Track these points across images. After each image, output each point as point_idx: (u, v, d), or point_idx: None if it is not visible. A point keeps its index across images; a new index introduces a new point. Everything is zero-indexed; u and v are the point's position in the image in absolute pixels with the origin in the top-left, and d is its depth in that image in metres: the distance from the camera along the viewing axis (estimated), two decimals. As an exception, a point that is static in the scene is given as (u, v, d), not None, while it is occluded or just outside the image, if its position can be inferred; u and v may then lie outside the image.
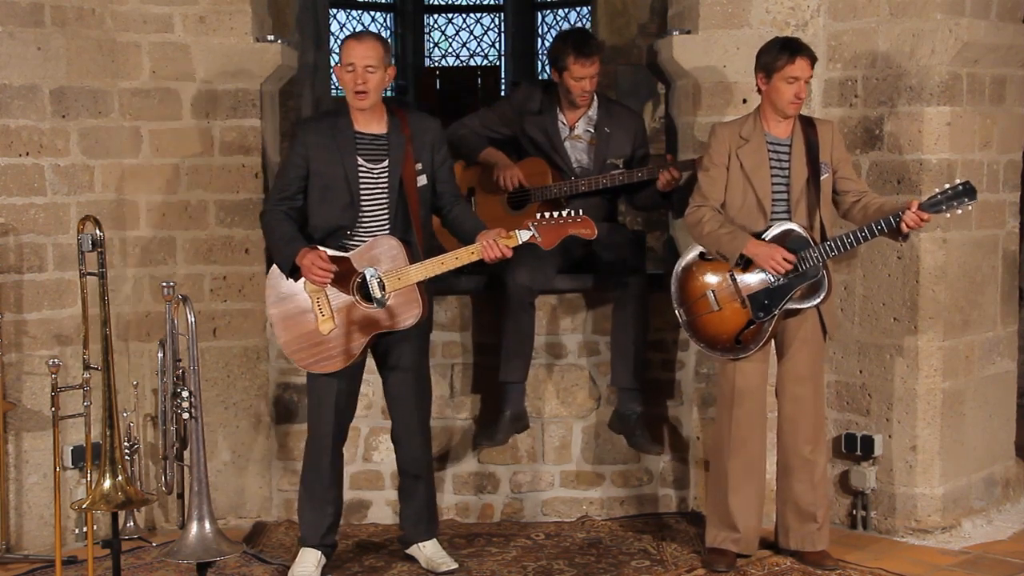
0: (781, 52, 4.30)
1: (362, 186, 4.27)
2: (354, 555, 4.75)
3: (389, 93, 11.41)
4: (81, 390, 4.37)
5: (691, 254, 4.51)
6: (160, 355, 4.13)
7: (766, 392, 4.53)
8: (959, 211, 4.25)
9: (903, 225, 4.22)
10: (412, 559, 4.60)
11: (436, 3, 11.68)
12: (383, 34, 11.40)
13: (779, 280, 4.34)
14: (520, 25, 11.45)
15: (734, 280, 4.40)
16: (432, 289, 4.38)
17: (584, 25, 10.63)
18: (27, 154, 4.69)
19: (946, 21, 4.72)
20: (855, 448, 4.95)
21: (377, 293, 4.17)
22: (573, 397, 5.19)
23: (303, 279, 4.23)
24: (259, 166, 5.03)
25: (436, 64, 11.48)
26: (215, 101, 4.99)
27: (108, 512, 3.90)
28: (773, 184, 4.40)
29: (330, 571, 4.49)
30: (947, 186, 4.25)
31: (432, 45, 11.63)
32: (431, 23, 11.64)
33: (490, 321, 5.01)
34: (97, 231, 4.07)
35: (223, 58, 4.96)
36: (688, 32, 5.04)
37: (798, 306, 4.37)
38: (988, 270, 5.04)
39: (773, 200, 4.39)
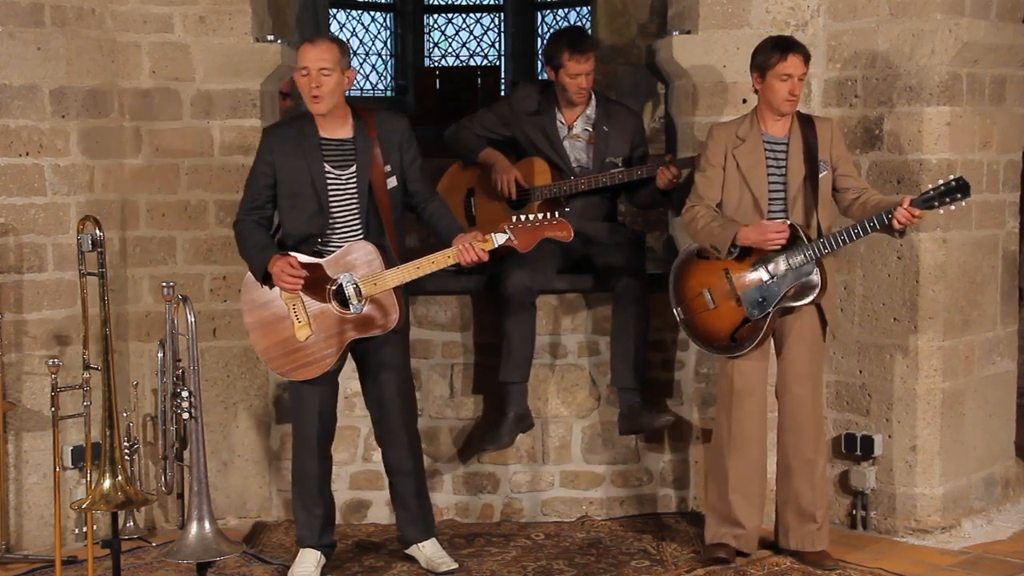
0: (773, 50, 4.31)
1: (331, 193, 4.24)
2: (354, 555, 4.75)
3: (389, 93, 11.46)
4: (81, 390, 4.38)
5: (687, 252, 4.52)
6: (160, 355, 4.13)
7: (766, 391, 4.53)
8: (952, 207, 4.24)
9: (895, 221, 4.21)
10: (412, 559, 4.60)
11: (436, 3, 11.68)
12: (383, 34, 11.41)
13: (773, 278, 4.34)
14: (520, 25, 11.45)
15: (729, 278, 4.40)
16: (407, 292, 4.34)
17: (584, 25, 10.63)
18: (27, 154, 4.69)
19: (946, 21, 4.72)
20: (855, 448, 4.95)
21: (354, 299, 4.16)
22: (573, 397, 5.19)
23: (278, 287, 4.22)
24: (259, 166, 5.03)
25: (436, 64, 11.48)
26: (215, 101, 4.99)
27: (108, 512, 3.90)
28: (770, 183, 4.40)
29: (330, 571, 4.49)
30: (940, 182, 4.24)
31: (432, 45, 11.63)
32: (431, 23, 11.64)
33: (490, 321, 5.01)
34: (97, 231, 4.07)
35: (223, 58, 4.96)
36: (688, 32, 5.04)
37: (793, 304, 4.37)
38: (988, 270, 5.04)
39: (770, 199, 4.40)
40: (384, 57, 11.45)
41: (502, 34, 11.61)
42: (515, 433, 4.91)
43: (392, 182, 4.32)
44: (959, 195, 4.20)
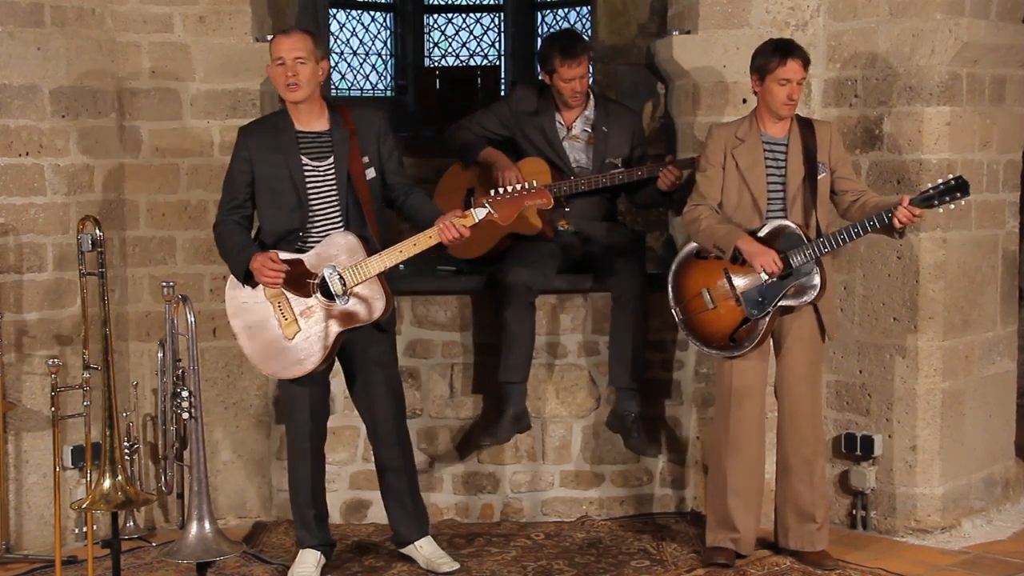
0: (773, 54, 4.31)
1: (309, 186, 4.23)
2: (354, 555, 4.75)
3: (389, 93, 11.46)
4: (81, 390, 4.38)
5: (686, 252, 4.52)
6: (160, 355, 4.12)
7: (765, 392, 4.53)
8: (951, 206, 4.25)
9: (895, 220, 4.22)
10: (410, 559, 4.59)
11: (436, 3, 11.67)
12: (383, 34, 11.41)
13: (773, 278, 4.34)
14: (520, 25, 11.44)
15: (729, 278, 4.40)
16: (388, 277, 4.31)
17: (584, 25, 10.63)
18: (27, 154, 4.69)
19: (946, 21, 4.72)
20: (855, 448, 4.95)
21: (339, 289, 4.12)
22: (573, 397, 5.19)
23: (261, 286, 4.20)
24: (259, 166, 5.03)
25: (436, 64, 11.47)
26: (215, 101, 4.99)
27: (108, 512, 3.90)
28: (769, 183, 4.41)
29: (330, 571, 4.49)
30: (940, 181, 4.24)
31: (432, 45, 11.62)
32: (431, 23, 11.63)
33: (490, 321, 5.01)
34: (97, 231, 4.07)
35: (223, 58, 4.96)
36: (688, 32, 5.04)
37: (792, 303, 4.37)
38: (988, 270, 5.04)
39: (769, 199, 4.40)
40: (384, 57, 11.44)
41: (502, 34, 11.60)
42: (512, 432, 4.91)
43: (371, 173, 4.30)
44: (959, 194, 4.20)
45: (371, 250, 4.18)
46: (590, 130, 5.12)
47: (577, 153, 5.14)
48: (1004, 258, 5.13)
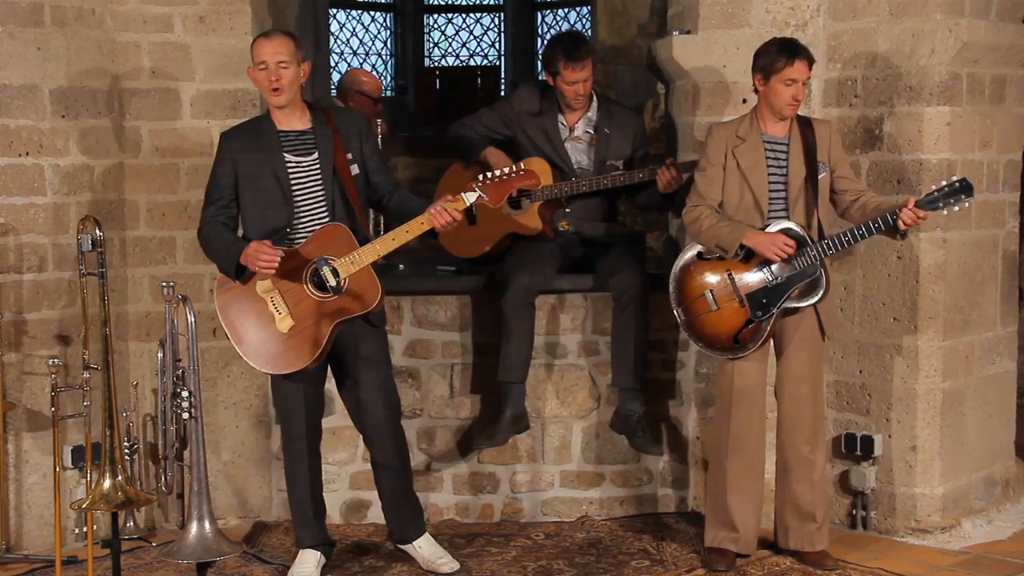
0: (779, 54, 4.29)
1: (293, 182, 4.23)
2: (354, 555, 4.75)
3: (390, 93, 11.45)
4: (81, 390, 4.38)
5: (689, 254, 4.51)
6: (160, 355, 4.12)
7: (765, 392, 4.53)
8: (956, 208, 4.25)
9: (900, 222, 4.22)
10: (410, 558, 4.59)
11: (436, 3, 11.67)
12: (383, 34, 11.41)
13: (777, 279, 4.34)
14: (520, 25, 11.44)
15: (732, 279, 4.40)
16: (382, 276, 4.29)
17: (584, 25, 10.62)
18: (27, 154, 4.69)
19: (946, 21, 4.72)
20: (855, 448, 4.95)
21: (332, 281, 4.11)
22: (573, 397, 5.19)
23: (252, 282, 4.17)
24: (259, 166, 5.03)
25: (436, 64, 11.47)
26: (215, 101, 4.99)
27: (108, 512, 3.90)
28: (770, 183, 4.40)
29: (330, 571, 4.49)
30: (944, 183, 4.25)
31: (432, 45, 11.62)
32: (431, 23, 11.62)
33: (490, 321, 5.01)
34: (97, 231, 4.07)
35: (223, 58, 4.96)
36: (688, 32, 5.04)
37: (796, 304, 4.37)
38: (988, 270, 5.04)
39: (770, 199, 4.40)
40: (384, 57, 11.44)
41: (502, 34, 11.60)
42: (511, 433, 4.91)
43: (355, 169, 4.30)
44: (963, 196, 4.21)
45: (361, 240, 4.19)
46: (592, 131, 5.12)
47: (579, 154, 5.14)
48: (1004, 258, 5.13)
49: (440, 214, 4.11)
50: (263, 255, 4.07)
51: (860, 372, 4.99)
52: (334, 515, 5.07)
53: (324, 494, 4.55)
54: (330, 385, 4.56)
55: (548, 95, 5.17)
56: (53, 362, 4.33)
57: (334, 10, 10.92)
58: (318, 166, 4.25)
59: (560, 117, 5.13)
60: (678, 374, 5.23)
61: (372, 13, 11.37)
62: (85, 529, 4.42)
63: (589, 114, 5.13)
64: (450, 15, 11.63)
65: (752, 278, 4.38)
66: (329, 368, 4.43)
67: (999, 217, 5.08)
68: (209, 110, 5.00)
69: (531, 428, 5.05)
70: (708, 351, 4.52)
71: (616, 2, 9.32)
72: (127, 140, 4.98)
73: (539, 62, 11.21)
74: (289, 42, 4.23)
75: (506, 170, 4.21)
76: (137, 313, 5.03)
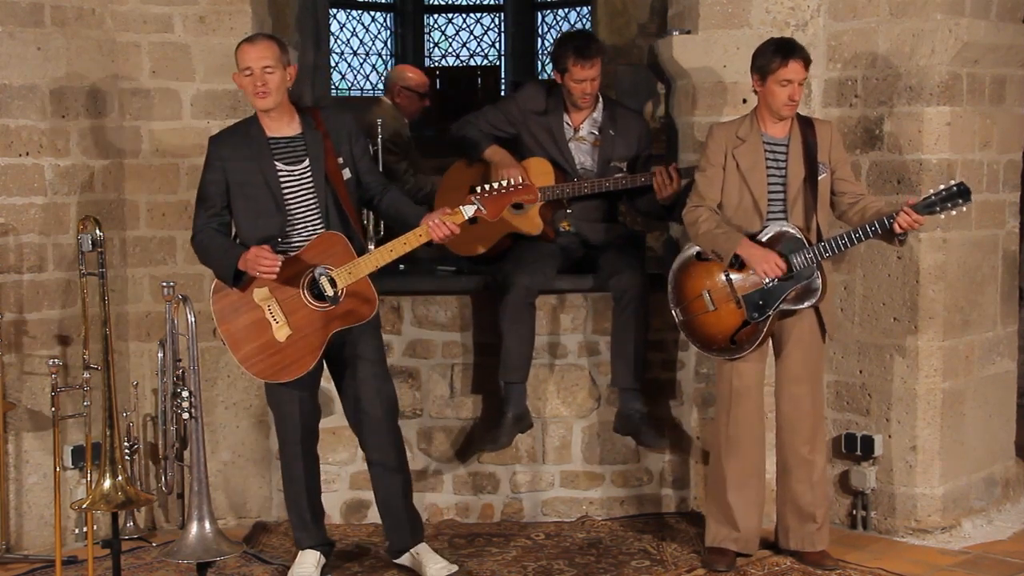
0: (775, 55, 4.29)
1: (285, 190, 4.19)
2: (354, 555, 4.75)
3: (389, 93, 11.43)
4: (81, 390, 4.38)
5: (687, 254, 4.52)
6: (160, 355, 4.12)
7: (763, 392, 4.53)
8: (953, 212, 4.25)
9: (896, 225, 4.21)
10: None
11: (436, 3, 11.68)
12: (383, 34, 11.41)
13: (774, 281, 4.34)
14: (520, 25, 11.45)
15: (729, 281, 4.40)
16: (377, 275, 4.26)
17: (584, 25, 10.63)
18: (27, 154, 4.69)
19: (946, 21, 4.72)
20: (855, 448, 4.95)
21: (329, 291, 4.09)
22: (573, 397, 5.19)
23: (250, 290, 4.15)
24: (259, 166, 5.03)
25: (436, 64, 11.48)
26: (215, 101, 4.99)
27: (108, 512, 3.90)
28: (769, 184, 4.40)
29: (330, 571, 4.49)
30: (942, 187, 4.25)
31: (432, 45, 11.63)
32: (431, 23, 11.63)
33: (490, 321, 5.01)
34: (97, 231, 4.07)
35: (223, 58, 4.95)
36: (688, 32, 5.04)
37: (793, 307, 4.37)
38: (988, 270, 5.04)
39: (769, 200, 4.40)
40: (384, 57, 11.44)
41: (502, 34, 11.61)
42: (514, 434, 4.91)
43: (346, 173, 4.27)
44: (960, 200, 4.21)
45: (358, 249, 4.17)
46: (597, 132, 5.12)
47: (582, 155, 5.13)
48: (1004, 258, 5.13)
49: (438, 227, 4.10)
50: (264, 260, 4.03)
51: (860, 372, 4.99)
52: (334, 515, 5.07)
53: (323, 494, 4.54)
54: (330, 385, 4.55)
55: (554, 94, 5.16)
56: (53, 362, 4.33)
57: (334, 10, 10.93)
58: (310, 174, 4.21)
59: (565, 117, 5.12)
60: (678, 374, 5.23)
61: (372, 13, 11.38)
62: (85, 529, 4.42)
63: (594, 115, 5.13)
64: (450, 15, 11.64)
65: (750, 280, 4.38)
66: (326, 368, 4.41)
67: (999, 217, 5.08)
68: (209, 110, 5.00)
69: (532, 428, 5.04)
70: (705, 351, 4.52)
71: (616, 2, 9.32)
72: (127, 140, 4.98)
73: (539, 62, 11.27)
74: (273, 46, 4.18)
75: (505, 183, 4.19)
76: (137, 313, 5.03)
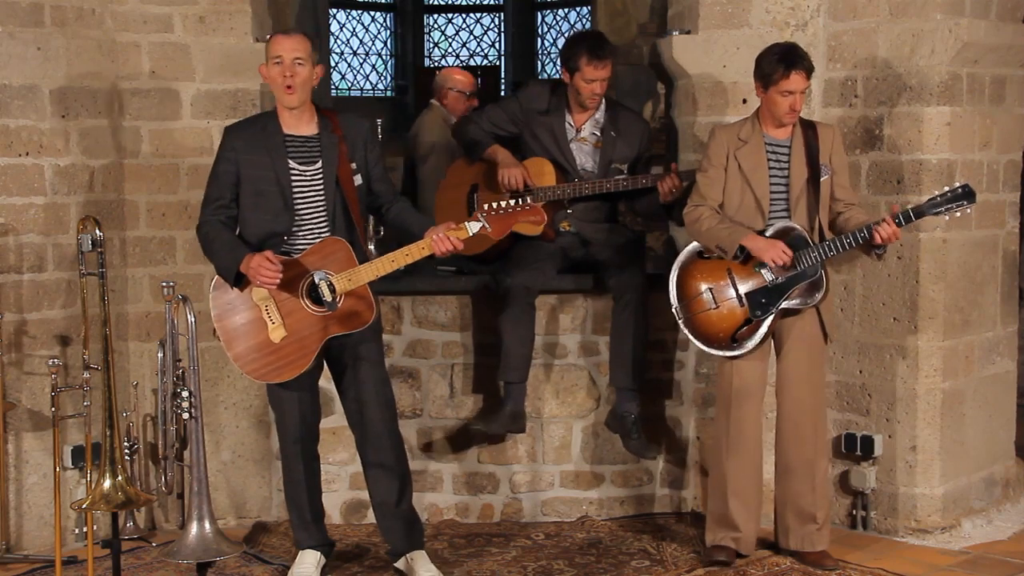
0: (777, 65, 4.28)
1: (295, 190, 4.18)
2: (354, 555, 4.75)
3: (389, 93, 11.46)
4: (81, 390, 4.38)
5: (688, 253, 4.52)
6: (160, 355, 4.12)
7: (764, 392, 4.53)
8: (958, 214, 4.26)
9: (876, 236, 4.23)
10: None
11: (436, 3, 11.68)
12: (383, 34, 11.41)
13: (777, 279, 4.34)
14: (520, 25, 11.45)
15: (732, 278, 4.40)
16: (375, 290, 4.26)
17: (584, 25, 10.64)
18: (27, 154, 4.69)
19: (946, 21, 4.72)
20: (855, 448, 4.95)
21: (328, 296, 4.08)
22: (573, 397, 5.19)
23: (249, 288, 4.13)
24: (259, 166, 5.03)
25: (436, 64, 11.48)
26: (215, 101, 5.00)
27: (108, 512, 3.90)
28: (772, 185, 4.40)
29: (330, 571, 4.49)
30: (947, 188, 4.26)
31: (432, 45, 11.64)
32: (431, 23, 11.64)
33: (490, 321, 5.01)
34: (97, 231, 4.07)
35: (223, 58, 4.96)
36: (688, 32, 5.04)
37: (796, 305, 4.37)
38: (988, 270, 5.04)
39: (772, 200, 4.40)
40: (384, 57, 11.45)
41: (502, 34, 11.62)
42: (506, 427, 4.90)
43: (358, 180, 4.27)
44: (965, 202, 4.22)
45: (360, 255, 4.16)
46: (598, 133, 5.12)
47: (583, 156, 5.13)
48: (1004, 258, 5.13)
49: (442, 241, 4.09)
50: (265, 270, 4.01)
51: (860, 372, 4.99)
52: (334, 515, 5.07)
53: (323, 494, 4.53)
54: (330, 385, 4.55)
55: (557, 94, 5.15)
56: (53, 362, 4.33)
57: (334, 10, 10.94)
58: (321, 176, 4.21)
59: (567, 117, 5.12)
60: (677, 374, 5.23)
61: (372, 13, 11.39)
62: (85, 529, 4.42)
63: (596, 116, 5.12)
64: (450, 15, 11.65)
65: (752, 278, 4.38)
66: (327, 368, 4.41)
67: (999, 217, 5.08)
68: (209, 110, 5.00)
69: (531, 428, 5.04)
70: (707, 349, 4.52)
71: (616, 2, 9.33)
72: (127, 140, 4.98)
73: (538, 62, 11.27)
74: (307, 42, 4.20)
75: (513, 203, 4.17)
76: (137, 313, 5.03)
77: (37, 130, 4.70)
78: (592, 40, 5.03)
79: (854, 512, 4.99)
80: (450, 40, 11.63)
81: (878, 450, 4.92)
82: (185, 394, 3.79)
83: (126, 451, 4.63)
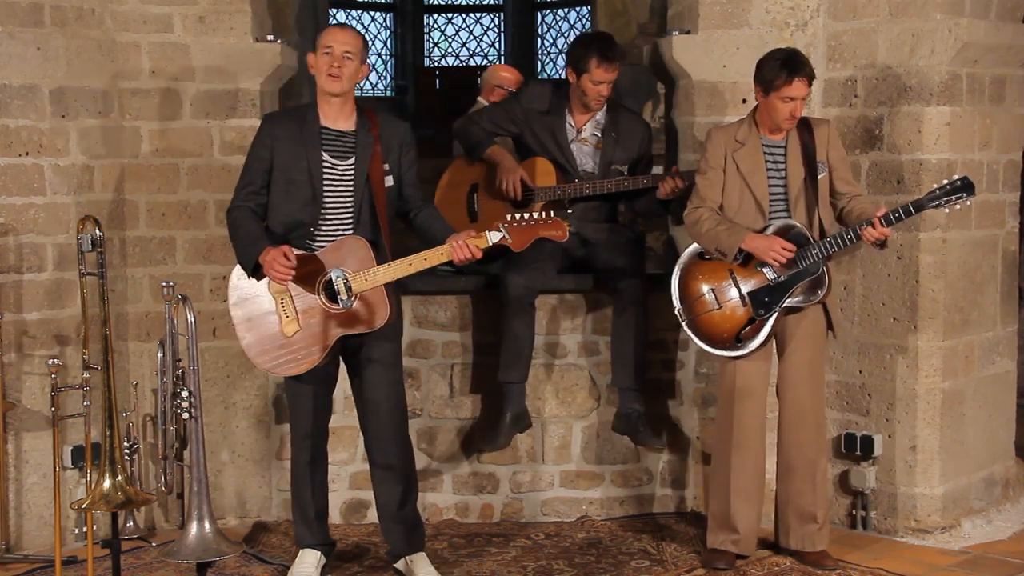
0: (780, 71, 4.28)
1: (325, 182, 4.19)
2: (354, 555, 4.75)
3: (389, 93, 11.46)
4: (81, 390, 4.38)
5: (689, 254, 4.52)
6: (160, 355, 4.12)
7: (767, 392, 4.53)
8: (957, 206, 4.26)
9: (865, 235, 4.23)
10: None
11: (436, 3, 11.69)
12: (383, 34, 11.42)
13: (780, 277, 4.35)
14: (520, 25, 11.46)
15: (734, 278, 4.40)
16: (399, 291, 4.28)
17: (584, 25, 10.64)
18: (27, 154, 4.69)
19: (946, 21, 4.72)
20: (855, 448, 4.95)
21: (343, 295, 4.07)
22: (573, 397, 5.19)
23: (267, 279, 4.14)
24: (259, 166, 5.02)
25: (436, 64, 11.49)
26: (215, 101, 5.00)
27: (108, 512, 3.90)
28: (770, 185, 4.41)
29: (330, 571, 4.49)
30: (945, 181, 4.25)
31: (432, 45, 11.64)
32: (431, 23, 11.65)
33: (490, 321, 5.02)
34: (97, 231, 4.07)
35: (223, 58, 4.96)
36: (688, 32, 5.04)
37: (799, 302, 4.37)
38: (988, 270, 5.04)
39: (771, 200, 4.41)
40: (384, 57, 11.46)
41: (502, 34, 11.62)
42: (512, 434, 4.91)
43: (389, 181, 4.27)
44: (964, 194, 4.22)
45: (381, 256, 4.15)
46: (599, 134, 5.11)
47: (584, 156, 5.12)
48: (1004, 258, 5.13)
49: (461, 249, 4.09)
50: (279, 264, 4.03)
51: (860, 372, 4.99)
52: (334, 515, 5.06)
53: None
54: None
55: (558, 94, 5.15)
56: (53, 362, 4.33)
57: (334, 10, 10.94)
58: (353, 172, 4.21)
59: (568, 118, 5.11)
60: (678, 374, 5.23)
61: (372, 13, 11.39)
62: (85, 529, 4.42)
63: (597, 117, 5.11)
64: (450, 15, 11.66)
65: (754, 277, 4.38)
66: (343, 367, 4.41)
67: (999, 217, 5.08)
68: (209, 110, 5.00)
69: (531, 428, 5.04)
70: (711, 350, 4.51)
71: (616, 2, 9.34)
72: (127, 140, 4.98)
73: (538, 62, 11.27)
74: (360, 39, 4.22)
75: (535, 216, 4.17)
76: (137, 313, 5.03)
77: (37, 130, 4.70)
78: (602, 42, 5.02)
79: (854, 512, 5.00)
80: (450, 40, 11.64)
81: (878, 450, 4.92)
82: (185, 394, 3.79)
83: (126, 451, 4.62)
